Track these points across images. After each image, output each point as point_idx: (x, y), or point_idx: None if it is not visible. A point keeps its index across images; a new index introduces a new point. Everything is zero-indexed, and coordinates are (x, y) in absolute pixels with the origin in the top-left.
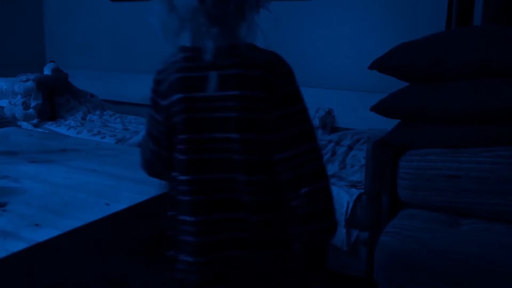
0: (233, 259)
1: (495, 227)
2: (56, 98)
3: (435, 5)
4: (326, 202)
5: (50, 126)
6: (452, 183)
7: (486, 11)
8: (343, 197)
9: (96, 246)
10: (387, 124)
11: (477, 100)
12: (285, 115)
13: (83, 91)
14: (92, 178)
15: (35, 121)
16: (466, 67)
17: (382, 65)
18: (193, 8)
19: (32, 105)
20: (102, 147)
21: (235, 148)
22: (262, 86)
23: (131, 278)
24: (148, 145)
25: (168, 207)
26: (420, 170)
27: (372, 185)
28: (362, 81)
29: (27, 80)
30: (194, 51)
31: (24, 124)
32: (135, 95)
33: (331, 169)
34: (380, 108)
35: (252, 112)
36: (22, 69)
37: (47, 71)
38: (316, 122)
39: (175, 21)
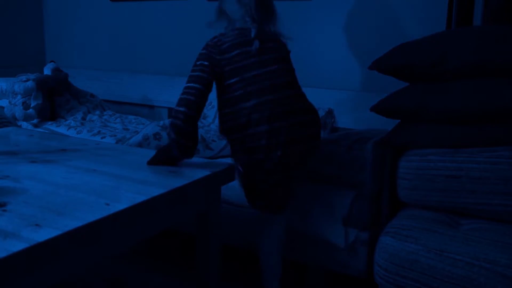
0: (298, 151)
1: (495, 227)
2: (56, 98)
3: (435, 5)
4: None
5: (50, 126)
6: (452, 183)
7: (486, 11)
8: (342, 196)
9: (96, 246)
10: (387, 124)
11: (477, 100)
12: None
13: (83, 91)
14: (92, 178)
15: (35, 121)
16: (466, 67)
17: (382, 65)
18: (240, 13)
19: (32, 105)
20: (102, 147)
21: (282, 74)
22: (285, 50)
23: (131, 278)
24: (194, 90)
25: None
26: (420, 170)
27: (372, 185)
28: (362, 81)
29: (27, 80)
30: (243, 29)
31: (24, 124)
32: (135, 95)
33: (330, 169)
34: (380, 108)
35: (285, 54)
36: (22, 69)
37: (47, 71)
38: None
39: (225, 21)
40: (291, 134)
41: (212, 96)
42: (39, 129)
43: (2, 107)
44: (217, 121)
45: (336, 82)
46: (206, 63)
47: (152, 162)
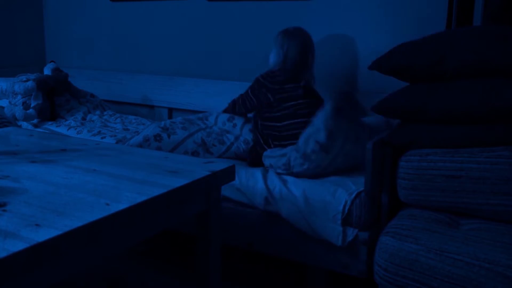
0: None
1: (495, 227)
2: (56, 98)
3: (435, 5)
4: None
5: (50, 126)
6: (452, 183)
7: (486, 11)
8: (341, 195)
9: (96, 246)
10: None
11: (477, 100)
12: None
13: (83, 91)
14: (92, 178)
15: (35, 121)
16: (466, 67)
17: (382, 65)
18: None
19: (32, 105)
20: (102, 147)
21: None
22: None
23: (131, 278)
24: (240, 109)
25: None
26: (420, 170)
27: (372, 185)
28: (362, 81)
29: (27, 80)
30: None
31: (24, 124)
32: (135, 95)
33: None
34: (380, 108)
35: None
36: (22, 69)
37: (47, 71)
38: None
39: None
40: None
41: (212, 97)
42: (39, 129)
43: (2, 107)
44: (219, 123)
45: (336, 82)
46: (260, 97)
47: None
